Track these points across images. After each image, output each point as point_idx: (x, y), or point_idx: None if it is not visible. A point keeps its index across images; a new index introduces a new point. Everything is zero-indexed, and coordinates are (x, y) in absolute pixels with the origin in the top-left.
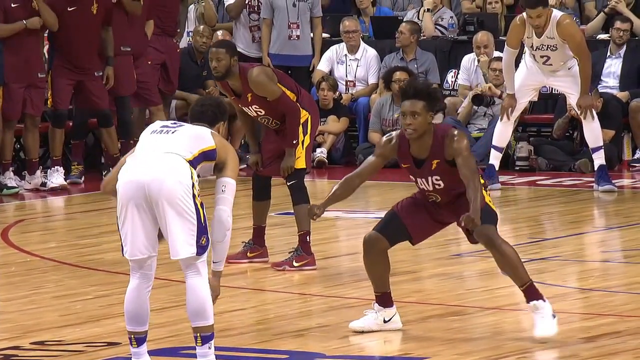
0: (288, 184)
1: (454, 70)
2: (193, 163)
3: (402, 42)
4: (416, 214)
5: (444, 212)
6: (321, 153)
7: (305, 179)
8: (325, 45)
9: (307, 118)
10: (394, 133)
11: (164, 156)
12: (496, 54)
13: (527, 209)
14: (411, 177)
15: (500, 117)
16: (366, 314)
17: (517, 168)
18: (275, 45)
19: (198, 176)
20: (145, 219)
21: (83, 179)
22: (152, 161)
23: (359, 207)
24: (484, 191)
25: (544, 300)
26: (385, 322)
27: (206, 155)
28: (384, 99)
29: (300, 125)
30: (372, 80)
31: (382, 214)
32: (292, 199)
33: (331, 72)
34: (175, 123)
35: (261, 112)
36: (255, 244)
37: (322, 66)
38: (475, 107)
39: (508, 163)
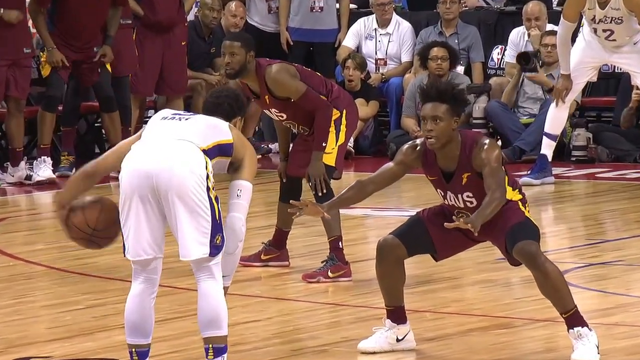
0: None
1: (500, 46)
2: (208, 154)
3: (444, 13)
4: (442, 223)
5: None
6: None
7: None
8: (353, 17)
9: (340, 115)
10: (418, 140)
11: (175, 143)
12: (549, 27)
13: (585, 206)
14: (439, 191)
15: (555, 102)
16: (375, 331)
17: (574, 159)
18: (296, 18)
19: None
20: (152, 214)
21: (74, 171)
22: (161, 148)
23: (390, 204)
24: (522, 206)
25: (590, 329)
26: (398, 340)
27: (221, 149)
28: (419, 79)
29: (333, 123)
30: (405, 57)
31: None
32: (315, 199)
33: (358, 48)
34: (188, 112)
35: (282, 117)
36: (272, 245)
37: (349, 42)
38: (524, 72)
39: (563, 153)
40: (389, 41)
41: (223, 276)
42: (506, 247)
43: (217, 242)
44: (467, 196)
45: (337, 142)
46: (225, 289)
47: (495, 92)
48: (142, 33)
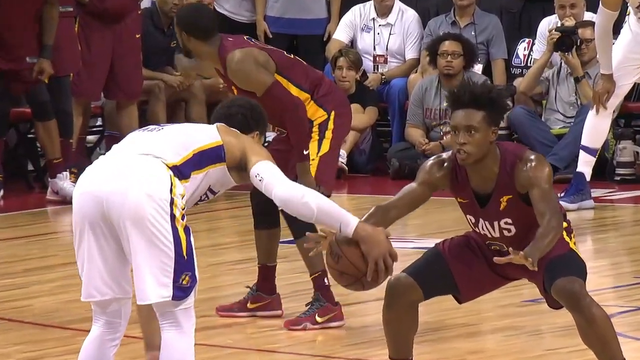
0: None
1: (527, 40)
2: (181, 169)
3: None
4: (470, 260)
5: (511, 265)
6: (339, 157)
7: None
8: (346, 5)
9: (327, 118)
10: (445, 155)
11: (134, 159)
12: (587, 16)
13: (632, 237)
14: (469, 217)
15: (593, 107)
16: None
17: (618, 178)
18: (276, 6)
19: (212, 192)
20: (106, 246)
21: (2, 192)
22: (115, 166)
23: (392, 233)
24: (566, 236)
25: None
26: None
27: (207, 156)
28: (427, 81)
29: (317, 127)
30: (410, 54)
31: (425, 244)
32: (290, 229)
33: (353, 43)
34: (171, 123)
35: None
36: (260, 290)
37: (341, 34)
38: (560, 58)
39: (605, 171)
40: (390, 34)
41: (344, 228)
42: (544, 284)
43: (184, 282)
44: (505, 223)
45: (319, 151)
46: (360, 228)
47: (521, 96)
48: (86, 23)
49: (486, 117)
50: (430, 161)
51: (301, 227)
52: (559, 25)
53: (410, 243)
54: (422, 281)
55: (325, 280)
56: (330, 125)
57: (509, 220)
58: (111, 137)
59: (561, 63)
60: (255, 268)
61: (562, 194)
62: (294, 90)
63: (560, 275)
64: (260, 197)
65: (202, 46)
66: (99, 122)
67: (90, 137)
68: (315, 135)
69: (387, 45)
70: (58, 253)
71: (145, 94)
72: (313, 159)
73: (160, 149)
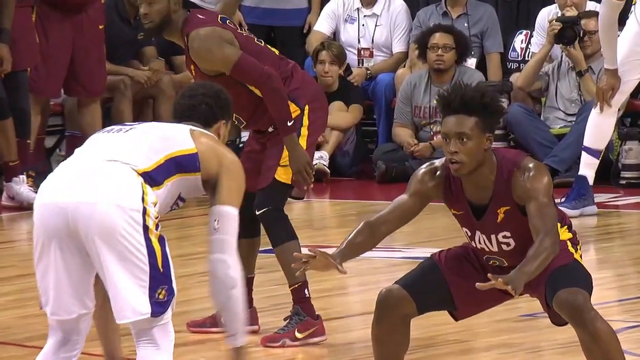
0: (258, 212)
1: (525, 32)
2: (153, 176)
3: None
4: (468, 273)
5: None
6: (320, 159)
7: (285, 201)
8: None
9: (301, 114)
10: (437, 162)
11: (102, 166)
12: (590, 5)
13: (638, 246)
14: (465, 230)
15: (597, 105)
16: None
17: (623, 182)
18: None
19: (182, 200)
20: (71, 261)
21: None
22: (81, 174)
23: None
24: (571, 247)
25: None
26: None
27: (179, 163)
28: (416, 76)
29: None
30: (398, 47)
31: (416, 254)
32: (269, 237)
33: (335, 35)
34: (140, 122)
35: None
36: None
37: (322, 26)
38: (561, 51)
39: (609, 174)
40: (376, 25)
41: (230, 335)
42: (546, 297)
43: (161, 297)
44: (504, 237)
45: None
46: (241, 351)
47: (519, 93)
48: (44, 13)
49: (479, 123)
50: (422, 169)
51: (281, 235)
52: (559, 15)
53: (398, 252)
54: (415, 294)
55: (306, 292)
56: (305, 121)
57: (507, 234)
58: (72, 137)
59: (562, 57)
60: None
61: (563, 199)
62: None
63: (563, 287)
64: (244, 208)
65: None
66: (59, 122)
67: (49, 138)
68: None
69: (372, 38)
70: (14, 264)
71: (109, 91)
72: (285, 157)
73: (129, 154)
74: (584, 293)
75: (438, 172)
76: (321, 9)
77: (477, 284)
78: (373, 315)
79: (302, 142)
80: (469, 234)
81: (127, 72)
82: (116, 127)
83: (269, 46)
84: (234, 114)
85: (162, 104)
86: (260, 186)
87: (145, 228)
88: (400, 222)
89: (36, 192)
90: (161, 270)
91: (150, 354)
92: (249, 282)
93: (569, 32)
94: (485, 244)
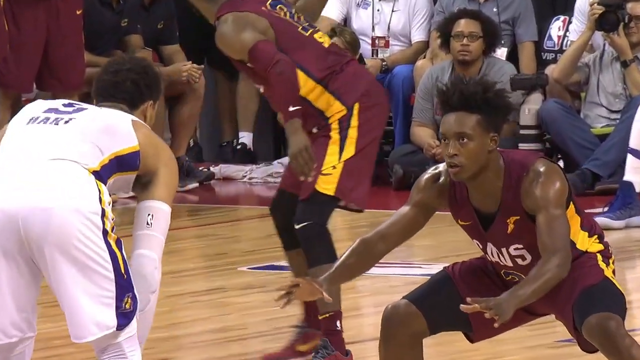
0: (297, 226)
1: (562, 18)
2: (102, 175)
3: None
4: (486, 288)
5: (535, 301)
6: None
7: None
8: None
9: (349, 112)
10: (442, 166)
11: (50, 167)
12: None
13: None
14: (475, 242)
15: None
16: None
17: None
18: None
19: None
20: (18, 277)
21: None
22: (29, 177)
23: (396, 257)
24: (601, 261)
25: None
26: None
27: (122, 163)
28: (438, 68)
29: (336, 124)
30: (418, 35)
31: (436, 270)
32: (305, 253)
33: (346, 21)
34: (70, 105)
35: (260, 88)
36: (311, 325)
37: (332, 12)
38: (603, 38)
39: None
40: (392, 10)
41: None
42: (574, 321)
43: (127, 306)
44: (516, 249)
45: (341, 155)
46: None
47: (555, 87)
48: None
49: (481, 122)
50: (424, 176)
51: (320, 255)
52: None
53: (417, 269)
54: (426, 310)
55: (338, 324)
56: (354, 121)
57: (520, 246)
58: None
59: (604, 45)
60: (224, 300)
61: (606, 209)
62: (300, 77)
63: (593, 311)
64: (285, 210)
65: (202, 3)
66: None
67: None
68: (334, 135)
69: (389, 25)
70: None
71: (88, 85)
72: (334, 167)
73: (76, 151)
74: (617, 318)
75: (442, 179)
76: None
77: (461, 305)
78: (380, 335)
79: (350, 145)
80: (481, 246)
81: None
82: (50, 115)
83: (321, 37)
84: (275, 108)
85: None
86: (300, 197)
87: (105, 232)
88: (401, 238)
89: None
90: (124, 276)
91: None
92: (310, 303)
93: (612, 17)
94: (499, 258)
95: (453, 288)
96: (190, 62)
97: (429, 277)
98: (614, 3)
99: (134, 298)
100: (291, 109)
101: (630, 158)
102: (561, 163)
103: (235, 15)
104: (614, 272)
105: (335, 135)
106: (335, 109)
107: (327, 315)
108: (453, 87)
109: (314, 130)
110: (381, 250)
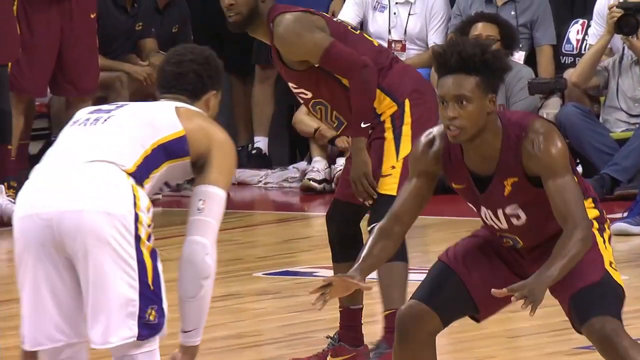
0: (368, 229)
1: (581, 21)
2: (142, 170)
3: None
4: (483, 265)
5: (534, 266)
6: (313, 171)
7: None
8: None
9: (400, 108)
10: (436, 130)
11: (85, 169)
12: None
13: None
14: (470, 205)
15: None
16: None
17: None
18: None
19: (168, 186)
20: (58, 281)
21: None
22: (63, 179)
23: (412, 262)
24: (597, 232)
25: None
26: None
27: (168, 149)
28: None
29: (388, 121)
30: (435, 38)
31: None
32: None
33: (363, 24)
34: (114, 103)
35: (306, 95)
36: (343, 340)
37: (348, 14)
38: (623, 42)
39: None
40: (409, 14)
41: (186, 331)
42: (572, 317)
43: (151, 318)
44: (512, 211)
45: (398, 153)
46: (193, 350)
47: (574, 91)
48: (27, 0)
49: (480, 84)
50: (419, 143)
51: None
52: (621, 1)
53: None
54: (437, 306)
55: None
56: (407, 118)
57: (515, 207)
58: None
59: (624, 49)
60: (239, 306)
61: (626, 214)
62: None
63: (593, 313)
64: (342, 223)
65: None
66: (45, 125)
67: (34, 143)
68: (389, 134)
69: (405, 29)
70: None
71: (103, 89)
72: (393, 166)
73: (113, 150)
74: (615, 322)
75: (436, 143)
76: None
77: (492, 290)
78: (395, 337)
79: (406, 142)
80: (475, 209)
81: (124, 67)
82: (92, 116)
83: (368, 36)
84: (334, 114)
85: None
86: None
87: (137, 238)
88: (414, 213)
89: None
90: (152, 287)
91: None
92: (355, 315)
93: (631, 20)
94: (493, 221)
95: (455, 277)
96: None
97: (428, 272)
98: (634, 6)
99: (160, 311)
100: (363, 125)
101: None
102: (580, 168)
103: (297, 15)
104: (609, 238)
105: (389, 134)
106: (386, 105)
107: (392, 311)
108: (450, 48)
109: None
110: (399, 232)
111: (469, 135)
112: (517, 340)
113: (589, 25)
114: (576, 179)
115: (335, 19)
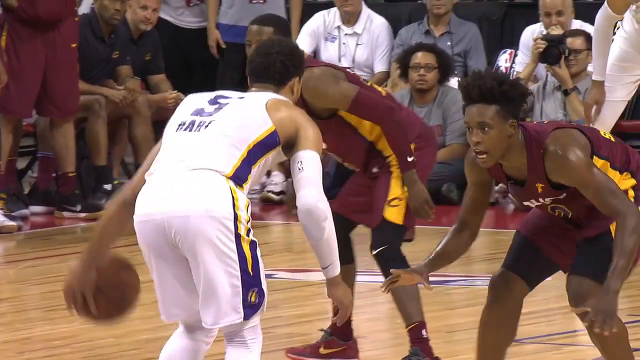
0: (374, 252)
1: (509, 51)
2: (241, 171)
3: (433, 6)
4: (552, 227)
5: (587, 230)
6: (271, 184)
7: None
8: (308, 11)
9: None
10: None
11: (190, 176)
12: (575, 24)
13: None
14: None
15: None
16: None
17: None
18: (230, 12)
19: (267, 175)
20: (178, 269)
21: None
22: (171, 187)
23: (455, 269)
24: (632, 194)
25: None
26: None
27: (264, 145)
28: (398, 96)
29: (394, 159)
30: (380, 66)
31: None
32: (385, 276)
33: (316, 53)
34: (215, 101)
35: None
36: (335, 334)
37: (303, 44)
38: (546, 70)
39: None
40: (357, 44)
41: (325, 267)
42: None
43: (252, 299)
44: (550, 198)
45: (403, 188)
46: (335, 279)
47: None
48: (15, 30)
49: (499, 111)
50: (469, 156)
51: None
52: (544, 34)
53: (478, 279)
54: (522, 272)
55: (423, 332)
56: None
57: (552, 199)
58: (45, 158)
59: (547, 76)
60: None
61: None
62: (366, 126)
63: (579, 270)
64: (340, 235)
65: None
66: (31, 142)
67: (21, 159)
68: (395, 170)
69: (353, 57)
70: None
71: (83, 110)
72: (400, 199)
73: (214, 158)
74: (593, 284)
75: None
76: (301, 26)
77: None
78: (486, 300)
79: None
80: (519, 202)
81: (102, 91)
82: (195, 119)
83: (376, 86)
84: (346, 162)
85: (138, 124)
86: (370, 226)
87: (238, 236)
88: (477, 218)
89: (8, 216)
90: (251, 273)
91: (241, 353)
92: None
93: (553, 51)
94: (539, 203)
95: (532, 244)
96: (175, 91)
97: (511, 243)
98: (556, 38)
99: (260, 292)
100: (409, 159)
101: None
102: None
103: (322, 69)
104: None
105: (396, 170)
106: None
107: (413, 325)
108: (473, 82)
109: (375, 170)
110: (467, 237)
111: (495, 159)
112: (454, 334)
113: (516, 55)
114: (608, 162)
115: (352, 72)
